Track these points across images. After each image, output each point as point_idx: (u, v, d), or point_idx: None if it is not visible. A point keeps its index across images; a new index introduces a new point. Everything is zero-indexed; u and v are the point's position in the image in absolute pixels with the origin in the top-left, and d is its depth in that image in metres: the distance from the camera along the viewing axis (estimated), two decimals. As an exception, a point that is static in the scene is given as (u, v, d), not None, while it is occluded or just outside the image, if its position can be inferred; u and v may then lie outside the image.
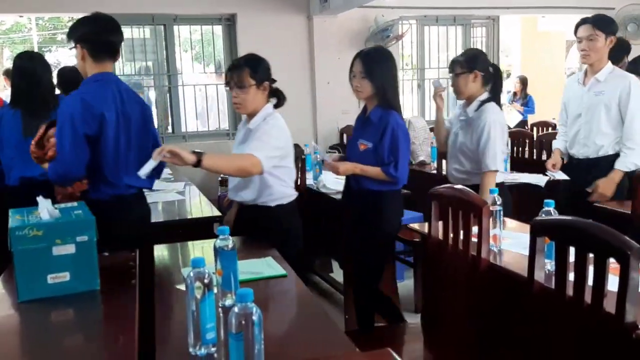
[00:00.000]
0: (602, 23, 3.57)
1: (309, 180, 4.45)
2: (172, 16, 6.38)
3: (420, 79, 7.51)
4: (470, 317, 2.31)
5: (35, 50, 16.15)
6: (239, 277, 2.00)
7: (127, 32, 6.41)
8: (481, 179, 3.19)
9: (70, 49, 2.71)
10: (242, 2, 6.43)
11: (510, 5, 7.54)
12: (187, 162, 2.43)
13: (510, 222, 2.86)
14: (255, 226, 2.86)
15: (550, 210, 2.11)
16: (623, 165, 3.52)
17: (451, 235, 2.43)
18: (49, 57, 15.95)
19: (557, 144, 4.04)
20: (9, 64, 15.77)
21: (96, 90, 2.61)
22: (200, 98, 6.90)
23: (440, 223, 2.51)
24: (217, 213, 3.56)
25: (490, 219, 2.33)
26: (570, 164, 3.86)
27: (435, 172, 4.90)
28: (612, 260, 1.67)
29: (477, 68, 3.26)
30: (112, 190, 2.66)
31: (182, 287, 1.70)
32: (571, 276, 1.81)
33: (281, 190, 2.87)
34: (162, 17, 6.34)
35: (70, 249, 2.09)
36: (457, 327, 2.39)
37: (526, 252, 2.00)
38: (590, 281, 1.74)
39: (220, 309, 1.89)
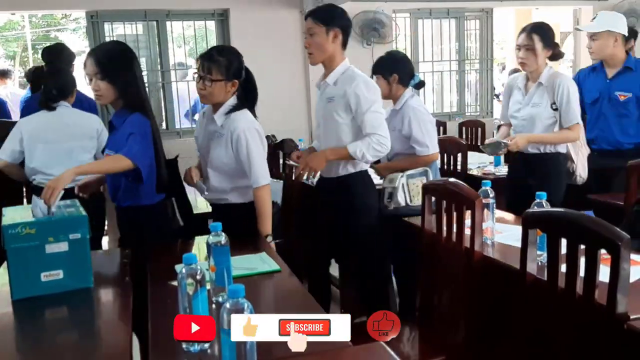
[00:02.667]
0: (322, 14, 2.95)
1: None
2: (164, 12, 6.36)
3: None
4: (464, 310, 2.32)
5: (29, 47, 16.20)
6: (233, 272, 2.00)
7: (119, 28, 6.40)
8: (256, 197, 2.76)
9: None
10: (235, -3, 6.43)
11: (503, -3, 7.54)
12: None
13: (504, 215, 2.86)
14: None
15: (542, 203, 2.12)
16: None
17: (445, 228, 2.44)
18: (42, 55, 15.91)
19: None
20: (1, 62, 15.77)
21: None
22: (194, 93, 6.87)
23: (434, 217, 2.52)
24: (210, 209, 3.54)
25: (484, 212, 2.34)
26: None
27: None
28: (604, 251, 1.68)
29: (235, 76, 2.77)
30: None
31: (176, 283, 1.71)
32: (563, 267, 1.82)
33: None
34: (154, 12, 6.33)
35: (63, 246, 2.09)
36: (452, 319, 2.40)
37: (519, 245, 2.00)
38: (582, 272, 1.75)
39: (214, 305, 1.90)
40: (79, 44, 16.04)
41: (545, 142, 3.42)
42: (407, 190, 3.23)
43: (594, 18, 3.83)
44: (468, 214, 2.30)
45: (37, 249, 2.06)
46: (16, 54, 17.10)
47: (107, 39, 6.28)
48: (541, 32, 3.39)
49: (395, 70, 3.44)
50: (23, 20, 15.06)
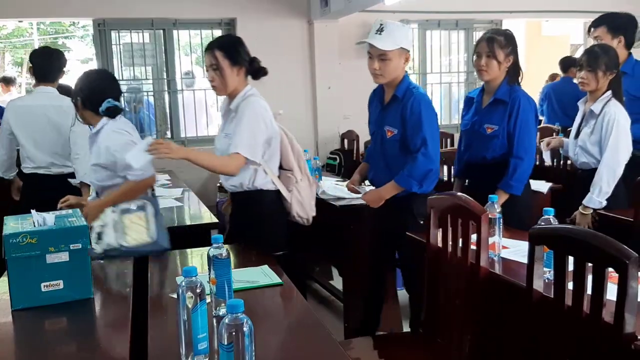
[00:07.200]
0: None
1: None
2: (171, 20, 6.37)
3: (422, 83, 7.48)
4: (469, 326, 2.29)
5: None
6: (234, 285, 1.98)
7: (126, 36, 6.41)
8: None
9: None
10: (242, 7, 6.42)
11: (513, 9, 7.51)
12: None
13: (510, 230, 2.83)
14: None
15: (549, 219, 2.08)
16: None
17: (450, 243, 2.41)
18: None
19: None
20: (10, 69, 15.85)
21: None
22: (200, 102, 6.87)
23: (439, 231, 2.49)
24: (215, 220, 3.53)
25: (490, 227, 2.30)
26: None
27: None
28: (612, 269, 1.65)
29: None
30: None
31: (176, 295, 1.69)
32: (570, 285, 1.79)
33: None
34: (161, 21, 6.34)
35: (63, 256, 2.07)
36: (456, 335, 2.37)
37: (526, 261, 1.97)
38: (589, 290, 1.72)
39: (214, 318, 1.87)
40: (86, 51, 16.13)
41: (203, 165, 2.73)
42: (121, 228, 2.63)
43: (380, 29, 2.93)
44: (474, 228, 2.27)
45: (37, 258, 2.04)
46: (24, 61, 17.19)
47: (114, 47, 6.31)
48: (226, 48, 2.79)
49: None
50: (31, 27, 15.13)
